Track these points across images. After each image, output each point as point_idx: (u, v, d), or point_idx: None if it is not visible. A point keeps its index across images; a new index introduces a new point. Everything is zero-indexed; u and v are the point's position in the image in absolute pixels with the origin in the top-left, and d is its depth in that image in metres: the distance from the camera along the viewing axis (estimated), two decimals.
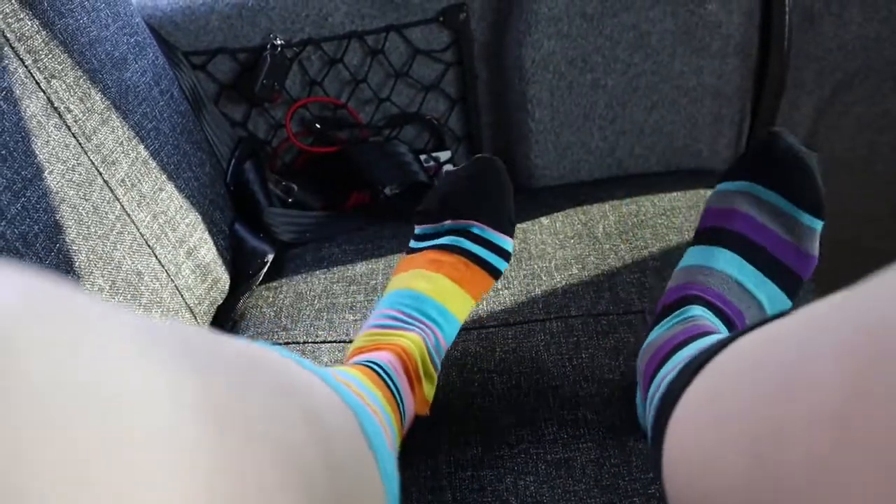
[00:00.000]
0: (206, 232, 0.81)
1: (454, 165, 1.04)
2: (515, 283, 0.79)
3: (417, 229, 0.68)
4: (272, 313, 0.80)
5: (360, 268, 0.84)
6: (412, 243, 0.68)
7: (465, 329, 0.74)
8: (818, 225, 0.56)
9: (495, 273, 0.65)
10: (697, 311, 0.53)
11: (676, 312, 0.54)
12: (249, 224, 0.90)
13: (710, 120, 0.97)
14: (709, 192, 0.90)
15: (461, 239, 0.64)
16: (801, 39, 0.94)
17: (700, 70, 0.93)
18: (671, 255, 0.80)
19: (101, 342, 0.18)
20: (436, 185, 0.69)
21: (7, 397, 0.14)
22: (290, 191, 0.97)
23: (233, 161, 0.91)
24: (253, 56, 0.91)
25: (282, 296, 0.83)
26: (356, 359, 0.56)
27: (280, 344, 0.76)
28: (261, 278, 0.85)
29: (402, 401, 0.54)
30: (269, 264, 0.85)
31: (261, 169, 0.94)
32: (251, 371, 0.27)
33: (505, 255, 0.65)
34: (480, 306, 0.76)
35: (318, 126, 0.99)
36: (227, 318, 0.84)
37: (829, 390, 0.21)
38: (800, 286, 0.56)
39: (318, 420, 0.30)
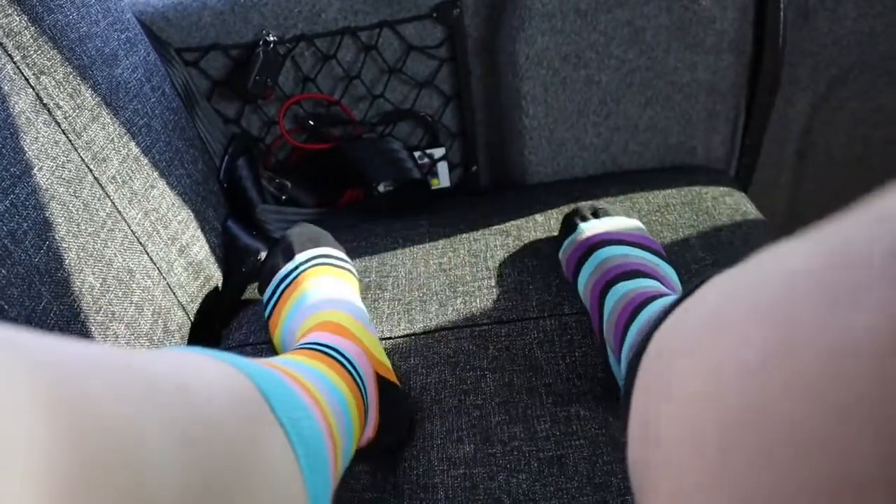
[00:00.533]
0: (199, 229, 0.80)
1: (448, 162, 1.04)
2: (509, 280, 0.78)
3: (266, 294, 0.73)
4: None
5: (354, 264, 0.84)
6: (267, 309, 0.72)
7: (458, 327, 0.73)
8: (637, 222, 0.76)
9: (356, 275, 0.76)
10: (619, 291, 0.62)
11: (611, 291, 0.63)
12: (242, 221, 0.89)
13: (704, 116, 0.97)
14: (703, 189, 0.90)
15: (312, 261, 0.72)
16: (795, 35, 0.94)
17: (694, 66, 0.92)
18: (665, 252, 0.79)
19: None
20: (265, 259, 0.77)
21: None
22: (283, 188, 0.96)
23: (226, 158, 0.90)
24: (246, 52, 0.91)
25: None
26: (301, 342, 0.59)
27: None
28: (254, 276, 0.84)
29: (359, 372, 0.57)
30: (261, 262, 0.85)
31: (254, 166, 0.94)
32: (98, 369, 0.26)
33: (353, 267, 0.77)
34: (473, 304, 0.76)
35: (311, 123, 0.98)
36: (219, 316, 0.83)
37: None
38: (663, 257, 0.70)
39: (184, 389, 0.29)
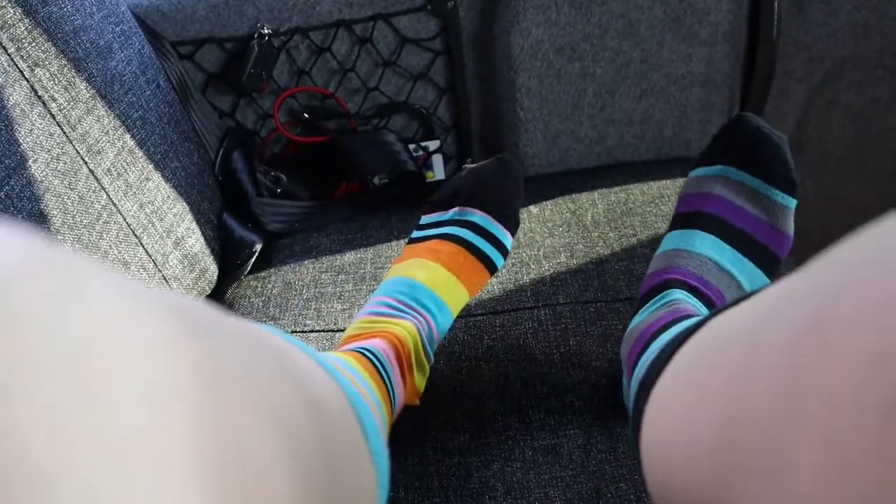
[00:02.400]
0: (194, 222, 0.81)
1: (443, 154, 1.04)
2: (503, 271, 0.79)
3: (423, 219, 0.68)
4: (260, 303, 0.80)
5: (349, 257, 0.84)
6: (415, 233, 0.68)
7: None
8: (792, 203, 0.56)
9: (492, 268, 0.65)
10: (678, 294, 0.53)
11: (657, 297, 0.54)
12: (238, 214, 0.89)
13: (699, 108, 0.97)
14: None
15: (463, 230, 0.65)
16: (790, 27, 0.94)
17: (689, 58, 0.92)
18: (659, 243, 0.80)
19: (93, 300, 0.18)
20: (450, 179, 0.69)
21: None
22: (278, 181, 0.97)
23: (221, 151, 0.90)
24: (240, 45, 0.91)
25: (270, 286, 0.83)
26: (349, 346, 0.56)
27: None
28: (249, 268, 0.84)
29: (392, 389, 0.54)
30: (257, 254, 0.85)
31: (249, 159, 0.94)
32: (254, 346, 0.26)
33: (503, 250, 0.66)
34: None
35: (306, 116, 0.98)
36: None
37: (776, 379, 0.21)
38: (778, 264, 0.56)
39: (317, 406, 0.29)
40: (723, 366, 0.27)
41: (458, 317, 0.73)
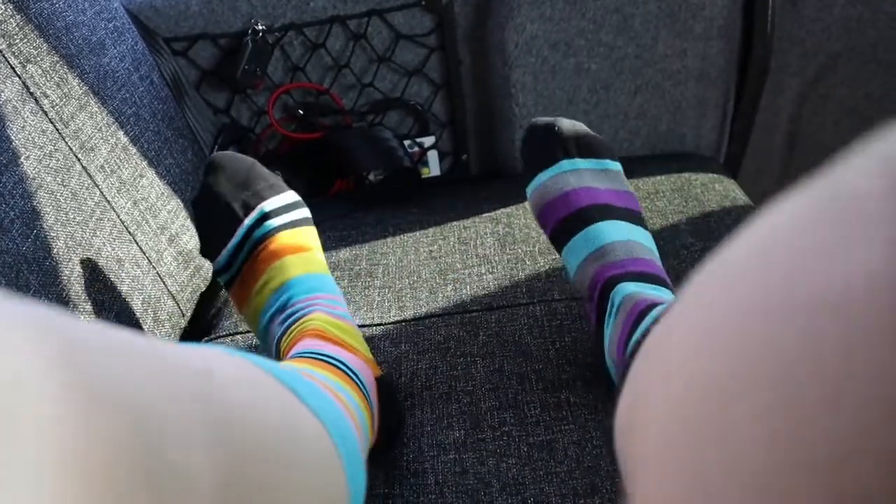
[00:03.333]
0: (188, 219, 0.80)
1: (438, 150, 1.04)
2: (499, 267, 0.79)
3: (219, 263, 0.66)
4: None
5: (344, 254, 0.84)
6: (224, 278, 0.67)
7: (448, 314, 0.74)
8: (619, 166, 0.66)
9: (309, 220, 0.68)
10: (626, 290, 0.57)
11: (610, 304, 0.58)
12: None
13: (694, 103, 0.97)
14: (693, 176, 0.90)
15: (264, 225, 0.65)
16: (784, 22, 0.94)
17: (684, 53, 0.92)
18: (654, 239, 0.80)
19: None
20: (196, 218, 0.68)
21: None
22: None
23: (215, 148, 0.90)
24: (234, 41, 0.91)
25: None
26: (294, 352, 0.57)
27: None
28: None
29: (360, 379, 0.56)
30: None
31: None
32: (146, 368, 0.26)
33: (301, 204, 0.69)
34: (463, 290, 0.76)
35: (301, 112, 0.98)
36: (210, 306, 0.83)
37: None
38: (641, 220, 0.65)
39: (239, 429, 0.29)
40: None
41: (453, 313, 0.73)
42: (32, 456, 0.18)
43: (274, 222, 0.65)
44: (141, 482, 0.22)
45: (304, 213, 0.69)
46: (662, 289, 0.59)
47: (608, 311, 0.59)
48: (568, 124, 0.66)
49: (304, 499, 0.32)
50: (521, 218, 0.85)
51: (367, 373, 0.58)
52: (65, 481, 0.19)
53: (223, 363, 0.32)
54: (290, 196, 0.69)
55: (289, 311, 0.62)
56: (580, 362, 0.67)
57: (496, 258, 0.80)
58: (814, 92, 1.02)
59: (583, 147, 0.65)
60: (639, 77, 0.94)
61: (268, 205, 0.66)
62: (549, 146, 0.65)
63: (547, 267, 0.77)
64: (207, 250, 0.67)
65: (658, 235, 0.79)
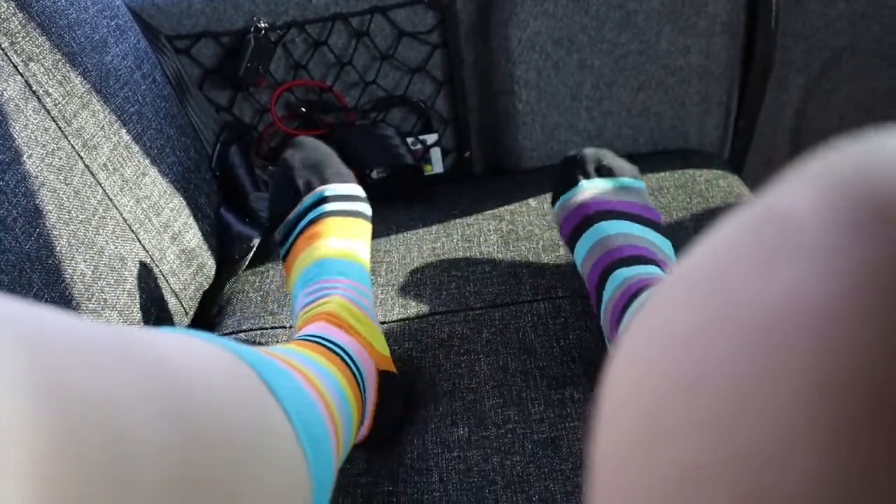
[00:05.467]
0: (191, 217, 0.80)
1: (441, 148, 1.03)
2: (503, 264, 0.78)
3: (279, 234, 0.72)
4: (259, 298, 0.80)
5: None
6: (282, 251, 0.72)
7: (452, 311, 0.73)
8: (642, 184, 0.71)
9: (365, 216, 0.73)
10: (621, 275, 0.61)
11: (609, 280, 0.62)
12: (235, 209, 0.89)
13: (697, 100, 0.97)
14: (697, 172, 0.90)
15: (320, 207, 0.70)
16: (788, 17, 0.94)
17: (687, 49, 0.92)
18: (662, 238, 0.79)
19: None
20: (270, 189, 0.75)
21: None
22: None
23: (218, 146, 0.90)
24: (237, 39, 0.91)
25: (268, 280, 0.82)
26: (302, 334, 0.58)
27: (267, 328, 0.76)
28: (247, 263, 0.84)
29: (359, 369, 0.56)
30: (255, 249, 0.85)
31: (246, 153, 0.93)
32: (99, 355, 0.26)
33: (362, 199, 0.74)
34: (466, 288, 0.76)
35: (303, 110, 0.98)
36: (213, 304, 0.83)
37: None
38: (661, 229, 0.68)
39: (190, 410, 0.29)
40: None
41: (456, 310, 0.73)
42: (10, 466, 0.19)
43: (329, 206, 0.70)
44: (107, 480, 0.22)
45: (363, 207, 0.73)
46: (656, 268, 0.62)
47: (604, 298, 0.62)
48: (591, 151, 0.72)
49: (259, 487, 0.32)
50: (524, 215, 0.85)
51: (368, 362, 0.59)
52: (41, 488, 0.19)
53: (187, 350, 0.32)
54: (354, 188, 0.74)
55: (315, 286, 0.65)
56: (584, 359, 0.67)
57: (500, 255, 0.80)
58: (818, 87, 1.02)
59: (603, 169, 0.70)
60: (642, 73, 0.94)
61: (329, 189, 0.71)
62: (572, 171, 0.71)
63: (551, 264, 0.77)
64: (273, 222, 0.72)
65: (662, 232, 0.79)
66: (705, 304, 0.17)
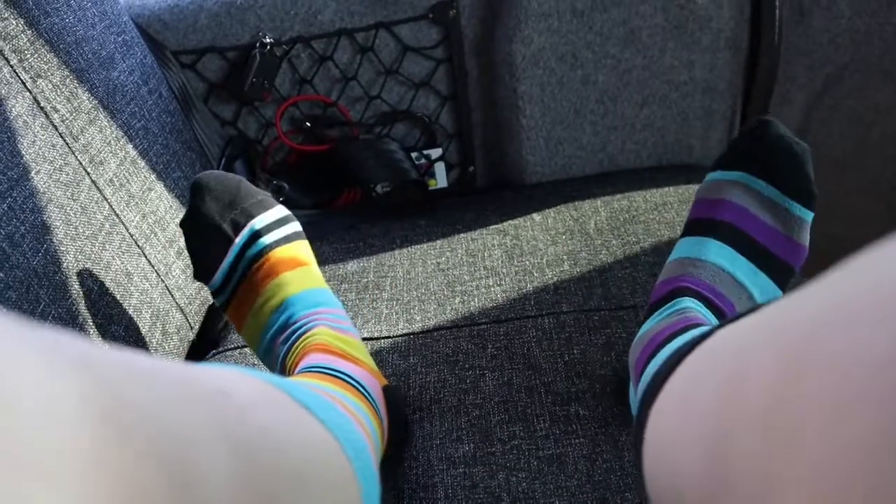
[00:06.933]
0: None
1: (445, 162, 1.04)
2: (507, 279, 0.78)
3: (213, 286, 0.66)
4: None
5: (351, 266, 0.84)
6: (219, 300, 0.66)
7: (457, 326, 0.73)
8: (809, 216, 0.56)
9: (301, 234, 0.67)
10: (688, 303, 0.53)
11: (667, 305, 0.54)
12: None
13: (701, 115, 0.97)
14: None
15: (256, 244, 0.64)
16: (791, 33, 0.94)
17: (691, 65, 0.92)
18: (663, 251, 0.79)
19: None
20: (186, 241, 0.67)
21: None
22: (280, 189, 0.96)
23: (223, 160, 0.90)
24: (242, 54, 0.91)
25: None
26: (301, 368, 0.56)
27: None
28: None
29: (370, 395, 0.55)
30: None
31: (251, 168, 0.94)
32: (166, 386, 0.26)
33: (290, 218, 0.68)
34: (472, 303, 0.76)
35: (308, 124, 0.98)
36: (218, 319, 0.83)
37: (760, 392, 0.21)
38: (790, 276, 0.56)
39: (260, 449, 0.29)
40: (714, 383, 0.27)
41: (461, 326, 0.73)
42: (76, 491, 0.18)
43: (266, 239, 0.64)
44: None
45: (296, 227, 0.68)
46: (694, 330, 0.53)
47: (660, 310, 0.55)
48: (782, 129, 0.58)
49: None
50: (528, 230, 0.85)
51: (374, 384, 0.58)
52: None
53: (240, 384, 0.32)
54: (280, 211, 0.68)
55: (291, 328, 0.61)
56: (589, 375, 0.67)
57: (504, 270, 0.80)
58: (821, 103, 1.02)
59: (775, 171, 0.57)
60: (646, 89, 0.94)
61: (258, 222, 0.65)
62: (738, 152, 0.59)
63: (555, 279, 0.77)
64: (201, 273, 0.65)
65: (666, 248, 0.79)
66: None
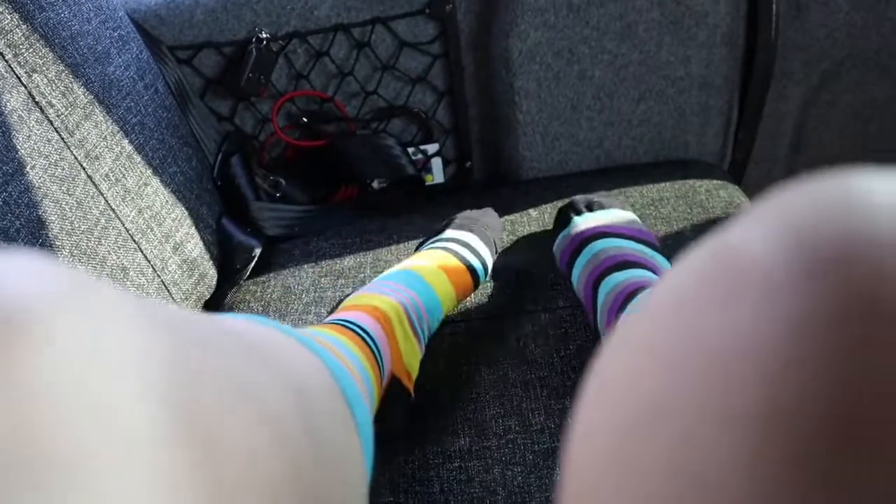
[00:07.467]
0: (193, 227, 0.80)
1: (442, 158, 1.04)
2: (503, 275, 0.78)
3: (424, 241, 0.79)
4: (260, 308, 0.80)
5: (348, 262, 0.84)
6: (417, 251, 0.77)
7: (453, 321, 0.73)
8: (630, 215, 0.76)
9: (475, 276, 0.74)
10: (611, 282, 0.63)
11: (602, 285, 0.64)
12: (237, 219, 0.89)
13: (697, 110, 0.97)
14: (697, 183, 0.90)
15: (453, 244, 0.75)
16: (788, 28, 0.94)
17: (687, 60, 0.92)
18: (660, 245, 0.79)
19: (96, 316, 0.21)
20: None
21: (14, 378, 0.17)
22: (277, 185, 0.96)
23: (219, 155, 0.90)
24: (238, 50, 0.91)
25: (270, 290, 0.82)
26: (331, 318, 0.59)
27: None
28: (248, 273, 0.84)
29: (379, 353, 0.57)
30: (256, 259, 0.85)
31: (248, 163, 0.94)
32: (233, 345, 0.28)
33: (485, 266, 0.76)
34: (468, 299, 0.76)
35: (305, 120, 0.98)
36: (214, 313, 0.83)
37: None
38: (657, 249, 0.70)
39: (300, 391, 0.31)
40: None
41: (457, 321, 0.73)
42: (138, 465, 0.19)
43: (446, 244, 0.77)
44: (254, 458, 0.24)
45: (475, 262, 0.76)
46: (648, 271, 0.64)
47: (598, 303, 0.64)
48: (580, 196, 0.79)
49: (336, 470, 0.33)
50: (525, 225, 0.85)
51: (377, 328, 0.60)
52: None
53: (308, 373, 0.35)
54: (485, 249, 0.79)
55: (381, 283, 0.69)
56: (585, 369, 0.67)
57: (500, 265, 0.80)
58: (818, 98, 1.02)
59: (594, 205, 0.77)
60: (642, 84, 0.94)
61: (461, 235, 0.79)
62: (565, 214, 0.77)
63: (551, 275, 0.77)
64: None
65: (663, 242, 0.79)
66: (671, 334, 0.18)
